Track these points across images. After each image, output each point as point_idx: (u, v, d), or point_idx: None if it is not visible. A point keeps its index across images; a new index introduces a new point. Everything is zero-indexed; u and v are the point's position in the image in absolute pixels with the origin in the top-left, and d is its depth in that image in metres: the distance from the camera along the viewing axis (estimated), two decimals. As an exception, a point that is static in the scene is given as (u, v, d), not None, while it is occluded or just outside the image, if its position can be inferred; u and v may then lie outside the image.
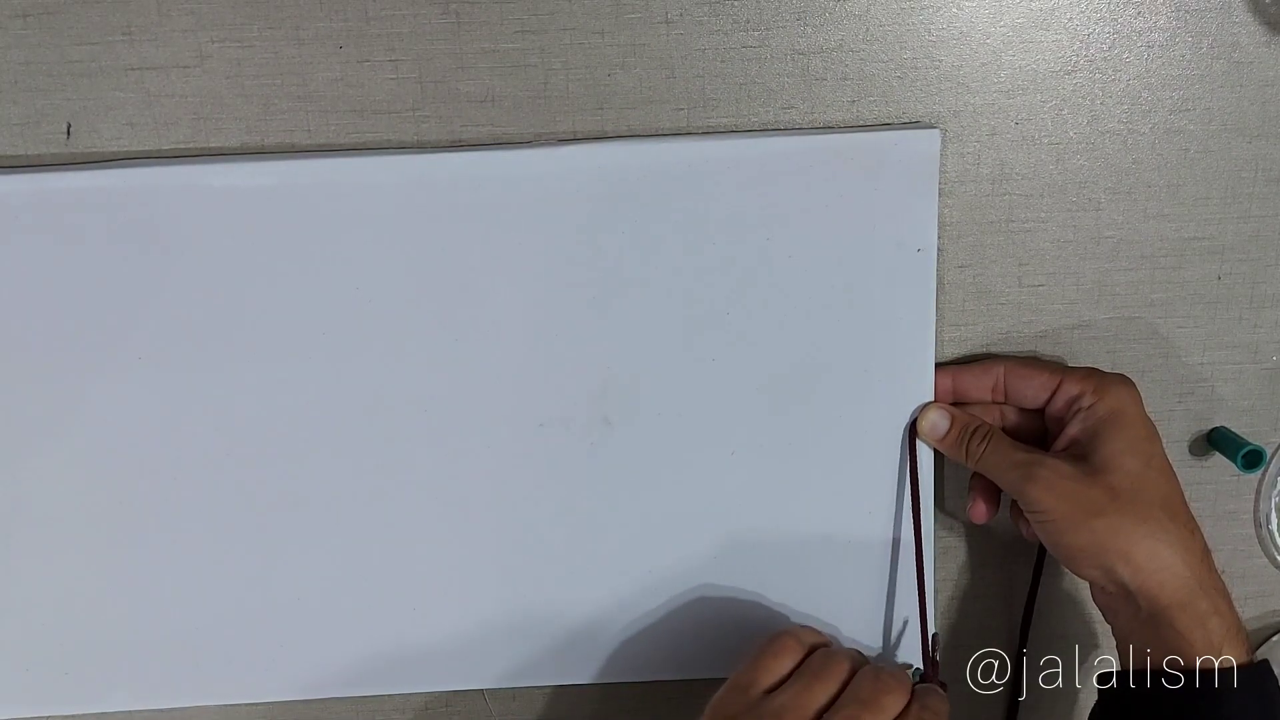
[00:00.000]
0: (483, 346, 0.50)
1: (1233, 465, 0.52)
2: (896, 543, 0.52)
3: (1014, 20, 0.49)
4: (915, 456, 0.51)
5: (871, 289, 0.49)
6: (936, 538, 0.54)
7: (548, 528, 0.52)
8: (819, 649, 0.48)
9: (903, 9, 0.48)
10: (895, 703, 0.45)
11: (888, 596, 0.53)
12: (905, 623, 0.54)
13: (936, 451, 0.51)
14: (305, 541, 0.52)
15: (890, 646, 0.54)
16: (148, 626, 0.53)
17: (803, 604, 0.53)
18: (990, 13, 0.49)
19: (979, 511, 0.51)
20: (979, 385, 0.51)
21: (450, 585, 0.52)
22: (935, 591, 0.54)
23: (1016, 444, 0.49)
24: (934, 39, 0.49)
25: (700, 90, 0.49)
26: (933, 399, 0.51)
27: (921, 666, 0.52)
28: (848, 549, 0.53)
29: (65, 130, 0.48)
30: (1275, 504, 0.55)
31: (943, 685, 0.50)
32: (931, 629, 0.52)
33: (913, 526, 0.51)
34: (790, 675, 0.47)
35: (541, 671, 0.54)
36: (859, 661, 0.48)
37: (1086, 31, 0.49)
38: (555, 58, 0.48)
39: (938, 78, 0.49)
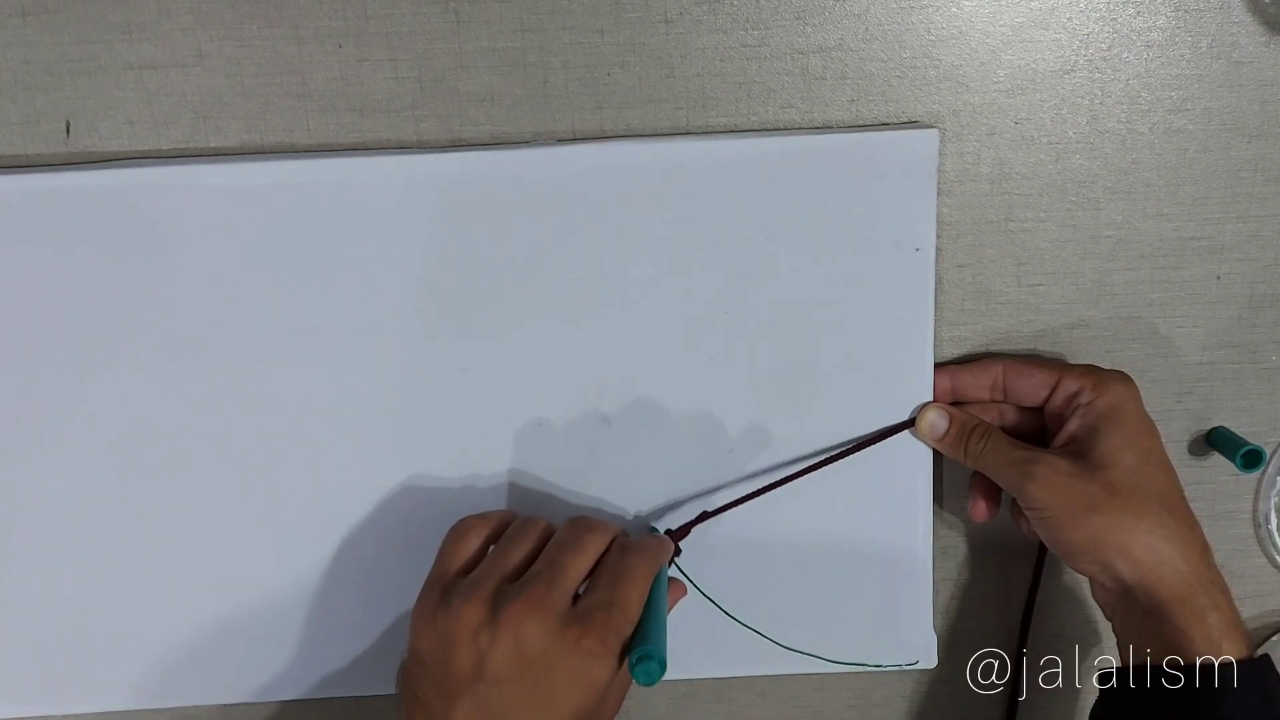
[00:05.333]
0: (482, 345, 0.50)
1: (1232, 465, 0.52)
2: (895, 542, 0.52)
3: (1013, 20, 0.49)
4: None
5: (870, 288, 0.49)
6: (937, 537, 0.54)
7: (547, 527, 0.52)
8: (515, 522, 0.47)
9: (902, 8, 0.48)
10: (597, 541, 0.45)
11: (887, 595, 0.53)
12: (905, 620, 0.54)
13: (936, 451, 0.51)
14: (305, 541, 0.52)
15: (890, 644, 0.54)
16: (148, 626, 0.53)
17: (801, 602, 0.53)
18: (989, 12, 0.49)
19: (979, 510, 0.51)
20: (978, 384, 0.51)
21: (449, 585, 0.52)
22: (935, 591, 0.54)
23: (1015, 442, 0.49)
24: (933, 38, 0.49)
25: (699, 89, 0.49)
26: (931, 398, 0.51)
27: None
28: (846, 548, 0.52)
29: (64, 129, 0.48)
30: (1274, 504, 0.55)
31: (677, 539, 0.50)
32: None
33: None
34: (483, 555, 0.46)
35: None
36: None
37: (1085, 31, 0.49)
38: (555, 57, 0.48)
39: (937, 77, 0.49)
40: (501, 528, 0.47)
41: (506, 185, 0.48)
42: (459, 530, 0.46)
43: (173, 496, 0.51)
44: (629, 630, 0.43)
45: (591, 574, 0.45)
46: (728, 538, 0.52)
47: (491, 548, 0.46)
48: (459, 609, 0.42)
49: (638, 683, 0.42)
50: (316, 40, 0.48)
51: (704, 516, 0.50)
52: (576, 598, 0.44)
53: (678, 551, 0.50)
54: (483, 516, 0.47)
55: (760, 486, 0.51)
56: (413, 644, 0.44)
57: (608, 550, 0.45)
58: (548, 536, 0.46)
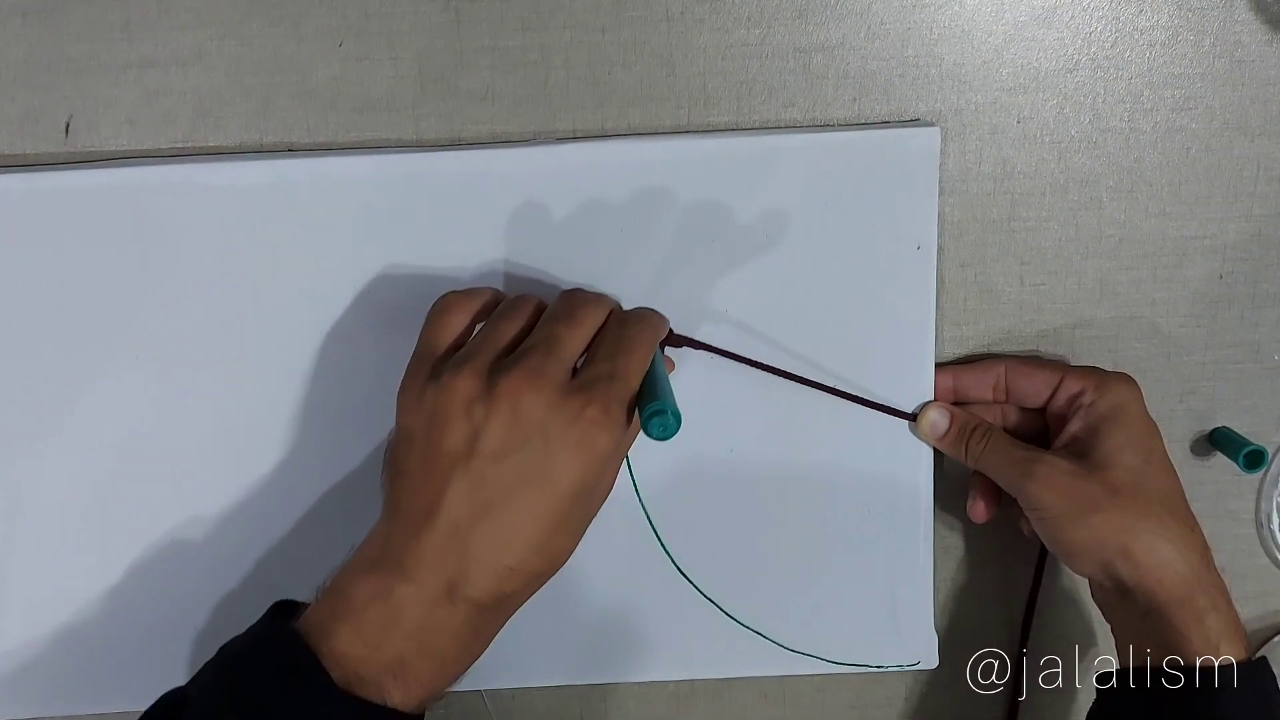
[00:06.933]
0: (482, 345, 0.49)
1: (1234, 465, 0.52)
2: (895, 542, 0.52)
3: (1016, 18, 0.49)
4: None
5: (872, 287, 0.49)
6: (937, 537, 0.54)
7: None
8: (505, 299, 0.45)
9: (905, 6, 0.48)
10: (594, 313, 0.43)
11: (888, 595, 0.53)
12: (906, 621, 0.54)
13: (936, 451, 0.51)
14: (305, 540, 0.52)
15: (891, 645, 0.54)
16: (149, 626, 0.52)
17: (801, 603, 0.53)
18: (992, 10, 0.48)
19: (979, 511, 0.51)
20: (980, 384, 0.51)
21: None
22: (935, 591, 0.54)
23: (1016, 442, 0.49)
24: (936, 36, 0.48)
25: (701, 88, 0.49)
26: (933, 398, 0.51)
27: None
28: (846, 548, 0.52)
29: (64, 127, 0.48)
30: (1277, 504, 0.55)
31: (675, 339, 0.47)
32: None
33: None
34: (470, 334, 0.43)
35: (541, 671, 0.54)
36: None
37: (1088, 29, 0.49)
38: (555, 55, 0.48)
39: (939, 75, 0.49)
40: (489, 306, 0.44)
41: (507, 184, 0.48)
42: (441, 307, 0.44)
43: (174, 496, 0.51)
44: (631, 401, 0.41)
45: (589, 348, 0.42)
46: (728, 538, 0.52)
47: (479, 326, 0.43)
48: (450, 382, 0.40)
49: (651, 438, 0.40)
50: (317, 39, 0.48)
51: (701, 345, 0.48)
52: (575, 373, 0.41)
53: (672, 339, 0.47)
54: (466, 292, 0.44)
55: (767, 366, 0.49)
56: (400, 423, 0.42)
57: (605, 324, 0.43)
58: (540, 312, 0.43)
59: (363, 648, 0.39)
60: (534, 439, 0.39)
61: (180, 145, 0.49)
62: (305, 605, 0.42)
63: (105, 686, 0.53)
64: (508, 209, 0.48)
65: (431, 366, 0.42)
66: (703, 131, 0.49)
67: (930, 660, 0.54)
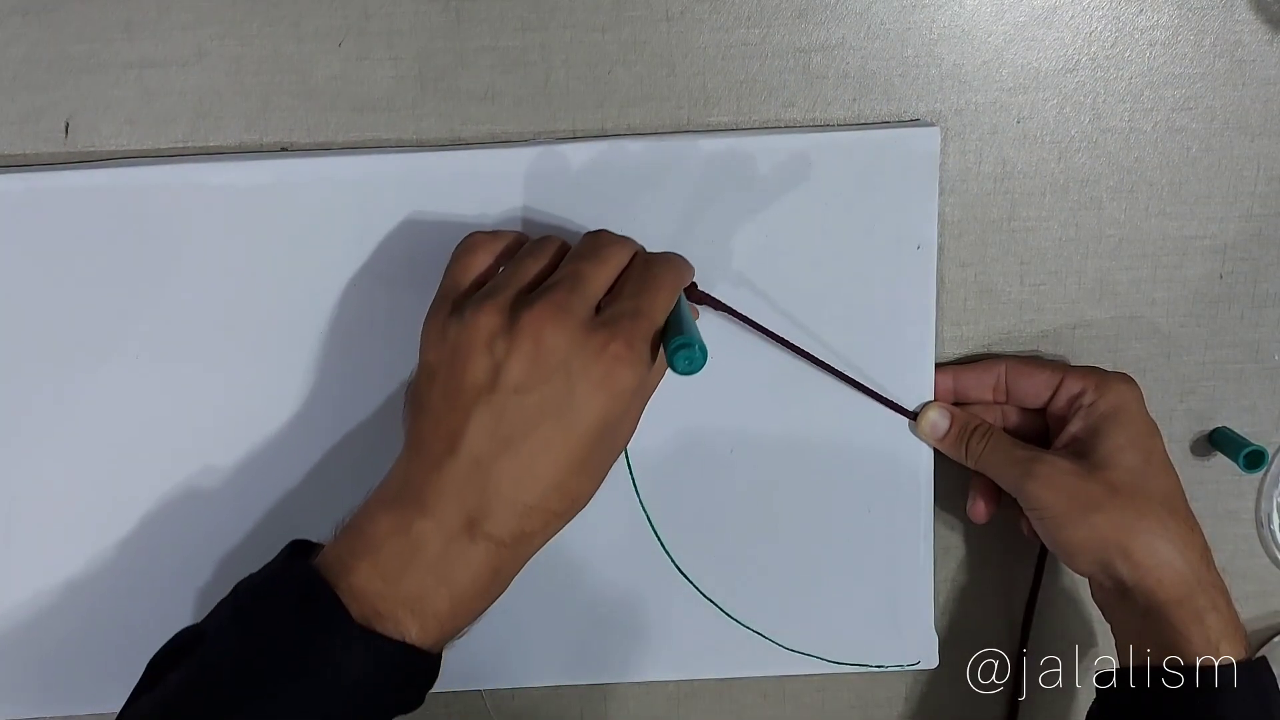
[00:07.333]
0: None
1: (1234, 465, 0.52)
2: (895, 541, 0.52)
3: (1016, 18, 0.49)
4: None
5: (872, 287, 0.49)
6: (937, 537, 0.53)
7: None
8: (530, 240, 0.44)
9: (905, 6, 0.48)
10: (619, 253, 0.42)
11: (888, 595, 0.53)
12: (906, 621, 0.54)
13: (936, 451, 0.51)
14: (310, 538, 0.51)
15: (891, 645, 0.54)
16: (150, 626, 0.52)
17: (802, 603, 0.53)
18: (992, 10, 0.48)
19: (979, 511, 0.51)
20: (980, 384, 0.51)
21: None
22: (935, 591, 0.54)
23: (1016, 442, 0.49)
24: (936, 36, 0.48)
25: (701, 87, 0.49)
26: (933, 398, 0.51)
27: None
28: (846, 547, 0.52)
29: (64, 127, 0.48)
30: (1277, 504, 0.55)
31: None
32: None
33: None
34: (494, 273, 0.43)
35: (541, 671, 0.54)
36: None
37: (1089, 29, 0.49)
38: (556, 55, 0.48)
39: (939, 75, 0.49)
40: (513, 247, 0.44)
41: (507, 183, 0.48)
42: (466, 245, 0.43)
43: (174, 495, 0.51)
44: (656, 339, 0.40)
45: (614, 288, 0.42)
46: (728, 538, 0.52)
47: (502, 268, 0.43)
48: (473, 317, 0.40)
49: (677, 372, 0.39)
50: (317, 38, 0.48)
51: (722, 305, 0.47)
52: (599, 312, 0.41)
53: (694, 294, 0.46)
54: (491, 233, 0.44)
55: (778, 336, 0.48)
56: (423, 359, 0.41)
57: (630, 264, 0.43)
58: (564, 253, 0.43)
59: (381, 583, 0.39)
60: (556, 374, 0.39)
61: (180, 145, 0.49)
62: (321, 546, 0.41)
63: (105, 686, 0.53)
64: (508, 209, 0.48)
65: (454, 303, 0.41)
66: (703, 131, 0.49)
67: (930, 660, 0.54)
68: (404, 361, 0.49)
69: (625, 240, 0.43)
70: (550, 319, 0.39)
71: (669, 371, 0.40)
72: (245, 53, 0.48)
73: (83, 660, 0.53)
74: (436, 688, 0.55)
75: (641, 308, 0.40)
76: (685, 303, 0.43)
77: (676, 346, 0.39)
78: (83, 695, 0.53)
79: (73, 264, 0.48)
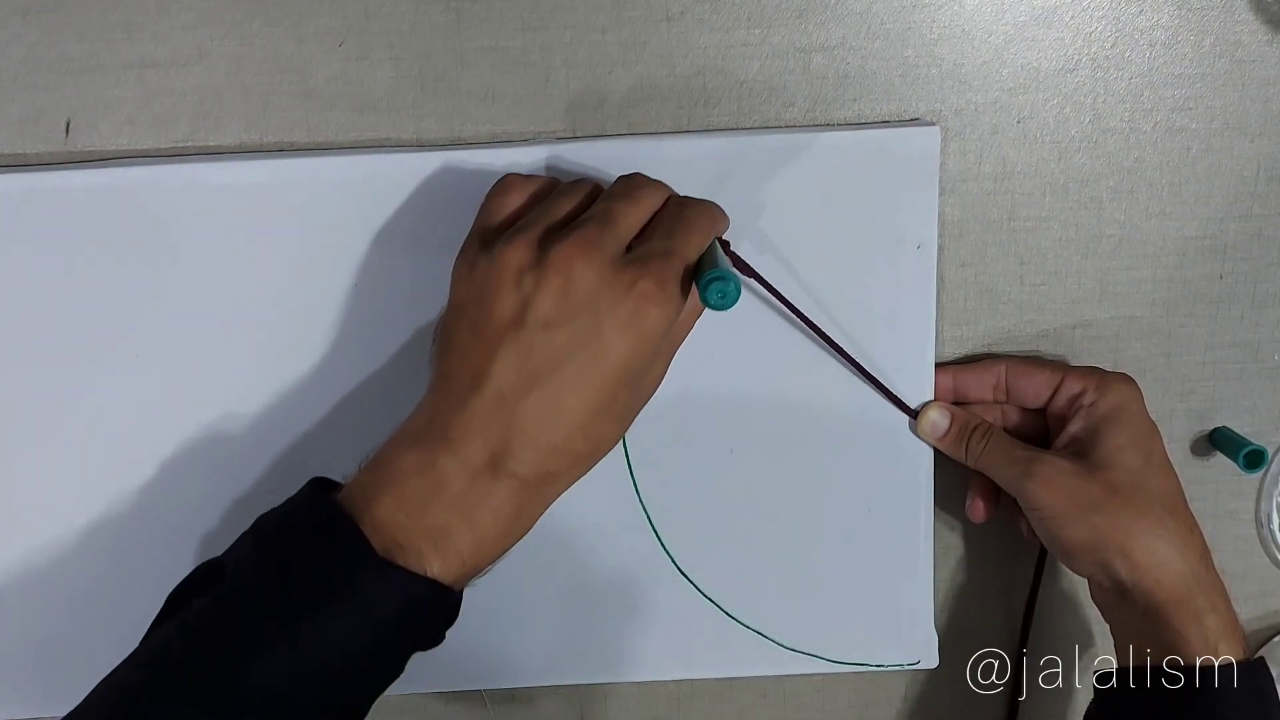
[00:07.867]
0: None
1: (1234, 465, 0.52)
2: (895, 541, 0.52)
3: (1016, 18, 0.49)
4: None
5: (872, 286, 0.49)
6: (937, 537, 0.53)
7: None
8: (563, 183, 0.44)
9: (905, 6, 0.48)
10: (652, 195, 0.42)
11: (887, 595, 0.53)
12: (906, 620, 0.54)
13: (936, 450, 0.51)
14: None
15: (891, 645, 0.54)
16: (147, 625, 0.52)
17: (801, 602, 0.53)
18: (992, 10, 0.48)
19: (978, 510, 0.51)
20: (980, 384, 0.51)
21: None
22: (935, 591, 0.54)
23: (1016, 442, 0.49)
24: (936, 36, 0.48)
25: (701, 88, 0.49)
26: (933, 397, 0.51)
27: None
28: (846, 547, 0.52)
29: (64, 127, 0.48)
30: (1277, 504, 0.55)
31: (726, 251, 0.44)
32: None
33: None
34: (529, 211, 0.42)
35: (541, 671, 0.54)
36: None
37: (1089, 29, 0.49)
38: (556, 55, 0.48)
39: (940, 75, 0.49)
40: (546, 189, 0.43)
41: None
42: (500, 187, 0.43)
43: (174, 495, 0.51)
44: (687, 280, 0.40)
45: (645, 230, 0.41)
46: (728, 538, 0.52)
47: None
48: (502, 252, 0.39)
49: (710, 307, 0.39)
50: (317, 38, 0.48)
51: (749, 269, 0.46)
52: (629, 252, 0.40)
53: (726, 250, 0.44)
54: (526, 176, 0.44)
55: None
56: (452, 296, 0.41)
57: (664, 206, 0.42)
58: (597, 195, 0.42)
59: (404, 516, 0.39)
60: (584, 311, 0.38)
61: (180, 145, 0.49)
62: (343, 485, 0.41)
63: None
64: (508, 209, 0.48)
65: (483, 242, 0.41)
66: (703, 131, 0.49)
67: (930, 660, 0.54)
68: (404, 360, 0.49)
69: (659, 183, 0.43)
70: (580, 255, 0.38)
71: (695, 329, 0.39)
72: (245, 53, 0.48)
73: (83, 660, 0.53)
74: (436, 688, 0.55)
75: (673, 247, 0.40)
76: (719, 245, 0.42)
77: (710, 279, 0.38)
78: (83, 695, 0.53)
79: (73, 264, 0.48)
